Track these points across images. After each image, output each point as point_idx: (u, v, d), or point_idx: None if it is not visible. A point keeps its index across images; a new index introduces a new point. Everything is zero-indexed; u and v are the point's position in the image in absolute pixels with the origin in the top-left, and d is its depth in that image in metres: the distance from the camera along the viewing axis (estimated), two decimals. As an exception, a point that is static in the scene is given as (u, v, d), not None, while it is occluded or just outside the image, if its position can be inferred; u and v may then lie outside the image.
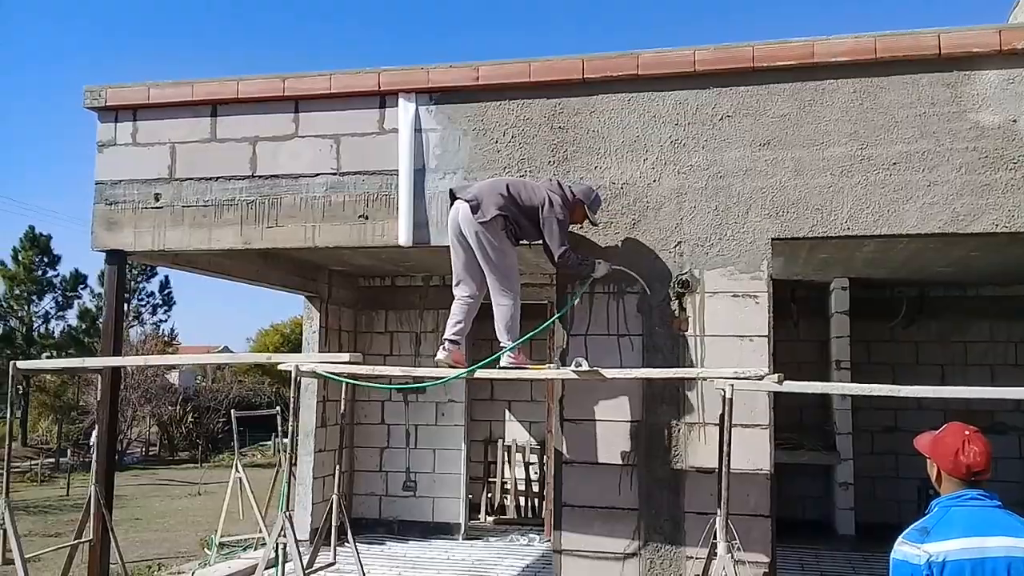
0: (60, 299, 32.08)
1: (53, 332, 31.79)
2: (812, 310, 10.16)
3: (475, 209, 4.89)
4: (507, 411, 11.22)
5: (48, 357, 28.96)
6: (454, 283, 5.20)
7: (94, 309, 32.09)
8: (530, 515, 10.92)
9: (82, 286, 32.21)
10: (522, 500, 11.04)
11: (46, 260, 31.33)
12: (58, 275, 31.75)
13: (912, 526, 2.80)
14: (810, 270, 8.77)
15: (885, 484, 9.72)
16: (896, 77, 5.06)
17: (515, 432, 11.17)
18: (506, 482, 11.04)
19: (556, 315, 5.43)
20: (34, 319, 31.39)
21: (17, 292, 30.66)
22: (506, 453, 11.09)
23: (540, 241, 5.11)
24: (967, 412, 9.53)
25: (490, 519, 10.87)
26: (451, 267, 5.24)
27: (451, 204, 5.18)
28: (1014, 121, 4.91)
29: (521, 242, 5.14)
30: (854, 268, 8.61)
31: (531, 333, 5.21)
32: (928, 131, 5.00)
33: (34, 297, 31.20)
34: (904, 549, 2.72)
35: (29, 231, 30.94)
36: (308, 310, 9.24)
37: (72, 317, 32.18)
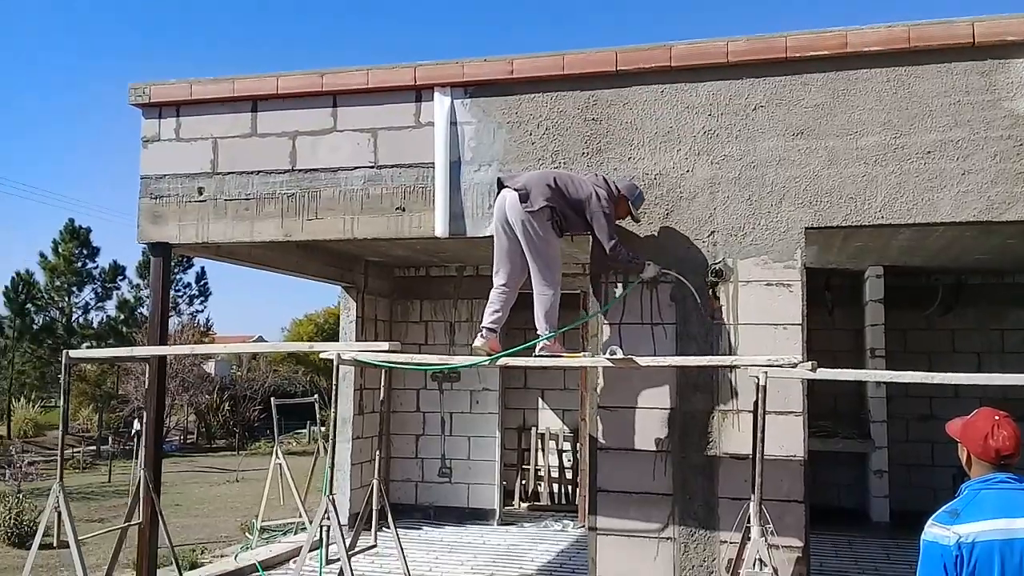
0: (99, 290, 32.66)
1: (92, 322, 32.40)
2: (847, 298, 10.14)
3: (524, 198, 4.98)
4: (540, 399, 11.34)
5: (88, 347, 29.56)
6: (494, 271, 5.30)
7: (132, 300, 32.67)
8: (563, 502, 11.05)
9: (121, 277, 32.77)
10: (555, 487, 11.16)
11: (85, 252, 31.90)
12: (97, 267, 32.33)
13: (942, 508, 2.87)
14: (844, 259, 8.77)
15: (920, 472, 9.71)
16: (930, 66, 5.07)
17: (548, 420, 11.28)
18: (539, 469, 11.17)
19: (601, 309, 5.50)
20: (74, 310, 32.01)
21: (58, 283, 31.28)
22: (539, 441, 11.21)
23: (584, 233, 5.20)
24: (1003, 400, 9.50)
25: (524, 505, 11.01)
26: (489, 257, 5.34)
27: (498, 192, 5.27)
28: (1049, 109, 4.90)
29: (565, 234, 5.23)
30: (889, 256, 8.60)
31: (571, 324, 5.30)
32: (962, 120, 5.01)
33: (74, 288, 31.81)
34: (934, 531, 2.78)
35: (69, 223, 31.50)
36: (345, 300, 9.41)
37: (111, 308, 32.78)
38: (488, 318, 5.25)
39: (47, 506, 5.64)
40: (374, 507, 5.81)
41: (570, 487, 11.09)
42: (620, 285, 5.46)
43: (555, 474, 11.16)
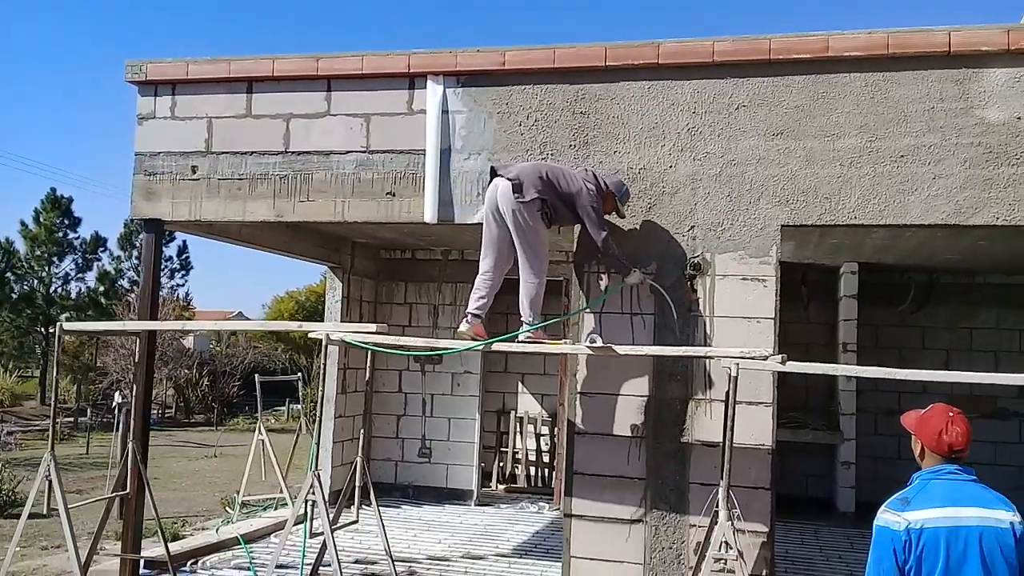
0: (80, 261, 32.50)
1: (71, 293, 32.27)
2: (823, 293, 10.37)
3: (517, 188, 5.14)
4: (520, 384, 11.53)
5: (67, 318, 29.45)
6: (481, 257, 5.46)
7: (113, 272, 32.57)
8: (540, 484, 11.27)
9: (102, 249, 32.62)
10: (533, 470, 11.38)
11: (67, 222, 31.72)
12: (79, 237, 32.16)
13: (895, 495, 3.08)
14: (821, 254, 8.99)
15: (886, 464, 9.97)
16: (906, 72, 5.26)
17: (527, 404, 11.48)
18: (518, 452, 11.38)
19: (587, 305, 5.66)
20: (54, 280, 31.85)
21: (38, 253, 31.10)
22: (518, 424, 11.41)
23: (571, 225, 5.36)
24: (971, 397, 9.79)
25: (501, 487, 11.22)
26: (474, 243, 5.50)
27: (491, 180, 5.42)
28: (1019, 118, 5.11)
29: (553, 225, 5.39)
30: (864, 253, 8.83)
31: (555, 318, 5.46)
32: (935, 126, 5.21)
33: (55, 259, 31.63)
34: (886, 516, 2.99)
35: (51, 193, 31.30)
36: (331, 280, 9.54)
37: (91, 279, 32.65)
38: (473, 304, 5.41)
39: (38, 475, 5.76)
40: (357, 483, 5.97)
41: (547, 470, 11.31)
42: (604, 276, 5.62)
43: (532, 457, 11.37)
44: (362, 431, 5.98)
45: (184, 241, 34.71)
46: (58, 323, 5.77)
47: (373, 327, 5.48)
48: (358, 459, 5.93)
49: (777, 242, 5.45)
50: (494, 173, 5.38)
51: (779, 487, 9.65)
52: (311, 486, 5.17)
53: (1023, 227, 5.09)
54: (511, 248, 5.32)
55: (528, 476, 11.35)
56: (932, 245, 7.78)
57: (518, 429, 11.37)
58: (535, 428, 11.38)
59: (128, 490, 6.34)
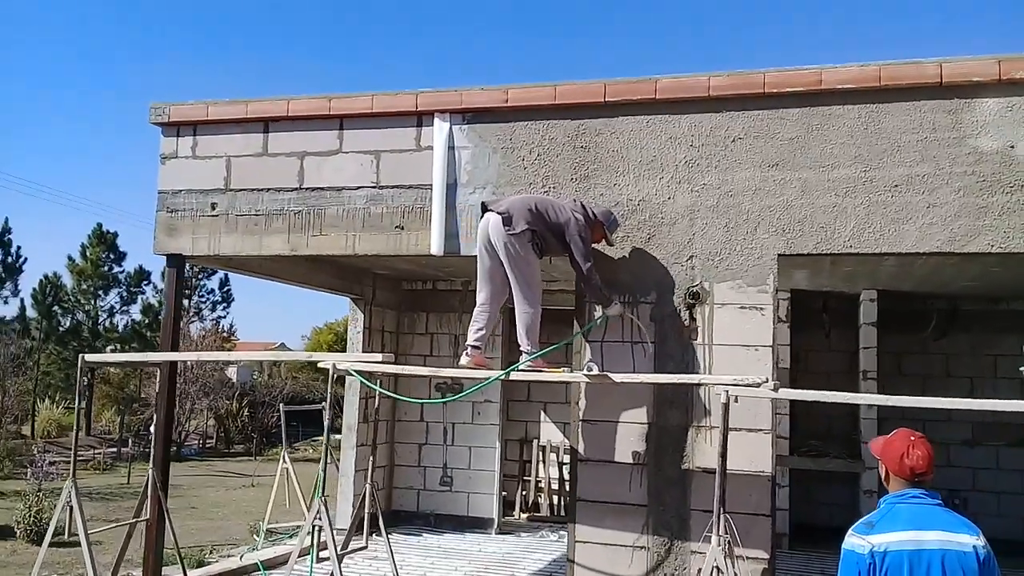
0: (125, 294, 33.36)
1: (117, 326, 33.07)
2: (844, 321, 10.34)
3: (507, 221, 5.30)
4: (543, 412, 11.62)
5: (112, 350, 30.17)
6: (477, 291, 5.62)
7: (156, 304, 33.32)
8: (563, 513, 11.30)
9: (146, 282, 33.45)
10: (555, 498, 11.42)
11: (112, 256, 32.63)
12: (123, 271, 33.05)
13: (861, 520, 3.15)
14: (838, 282, 9.00)
15: (911, 493, 9.85)
16: (899, 103, 5.34)
17: (550, 433, 11.56)
18: (540, 480, 11.44)
19: (574, 335, 5.78)
20: (100, 313, 32.68)
21: (84, 287, 31.99)
22: (540, 452, 11.48)
23: (561, 255, 5.50)
24: (997, 425, 9.70)
25: (524, 516, 11.28)
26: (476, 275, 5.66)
27: (482, 215, 5.59)
28: (1012, 147, 5.15)
29: (544, 256, 5.53)
30: (880, 280, 8.82)
31: (553, 347, 5.59)
32: (929, 155, 5.27)
33: (100, 292, 32.50)
34: (852, 540, 3.06)
35: (97, 228, 32.25)
36: (353, 311, 9.76)
37: (136, 312, 33.45)
38: (472, 336, 5.57)
39: (59, 502, 6.00)
40: (366, 511, 6.12)
41: (569, 499, 11.34)
42: (599, 307, 5.74)
43: (555, 486, 11.43)
44: (370, 459, 6.13)
45: (226, 274, 35.47)
46: (80, 356, 6.03)
47: (379, 356, 5.65)
48: (367, 486, 6.07)
49: (774, 271, 5.53)
50: (485, 208, 5.55)
51: (801, 516, 9.73)
52: (317, 512, 5.33)
53: (1018, 254, 5.11)
54: (505, 280, 5.46)
55: (551, 504, 11.41)
56: (945, 272, 7.77)
57: (540, 457, 11.44)
58: (557, 456, 11.44)
59: (149, 517, 6.55)
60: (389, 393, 6.14)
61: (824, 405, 8.99)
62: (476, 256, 6.00)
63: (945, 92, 5.27)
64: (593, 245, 5.57)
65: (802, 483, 9.85)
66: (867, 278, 8.62)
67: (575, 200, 5.59)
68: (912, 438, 3.18)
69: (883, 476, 3.25)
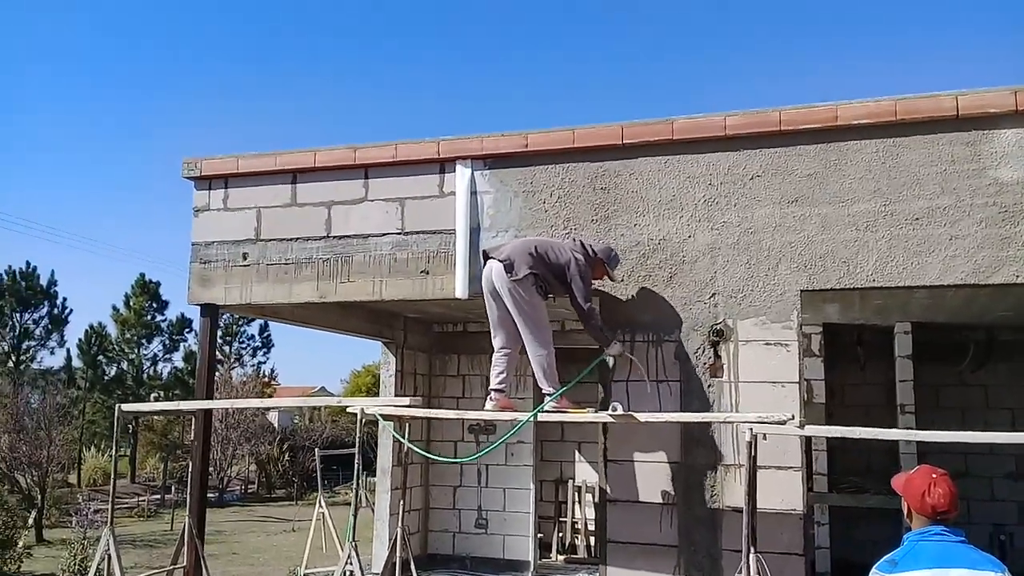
0: (167, 342, 33.99)
1: (161, 374, 33.64)
2: (879, 354, 10.21)
3: (509, 268, 5.37)
4: (577, 452, 11.58)
5: (156, 398, 30.64)
6: (492, 337, 5.68)
7: (198, 352, 33.89)
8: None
9: (187, 330, 34.08)
10: (592, 540, 11.33)
11: (155, 305, 33.31)
12: (166, 320, 33.71)
13: (884, 557, 3.12)
14: (870, 315, 8.92)
15: (955, 529, 9.63)
16: (917, 137, 5.35)
17: (585, 473, 11.50)
18: (576, 521, 11.37)
19: (579, 376, 5.80)
20: (143, 361, 33.27)
21: (128, 336, 32.64)
22: (576, 493, 11.42)
23: (564, 296, 5.55)
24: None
25: (561, 558, 11.20)
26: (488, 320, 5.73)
27: (484, 264, 5.67)
28: (1033, 176, 5.12)
29: (548, 296, 5.59)
30: (913, 313, 8.72)
31: (568, 385, 5.60)
32: (949, 187, 5.26)
33: (143, 340, 33.12)
34: (875, 578, 3.04)
35: (140, 278, 33.03)
36: (385, 355, 9.85)
37: (178, 359, 34.01)
38: (494, 380, 5.62)
39: (98, 551, 6.12)
40: (398, 555, 6.15)
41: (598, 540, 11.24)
42: (628, 343, 5.76)
43: (591, 527, 11.34)
44: (400, 503, 6.17)
45: (266, 320, 35.96)
46: (117, 406, 6.19)
47: (407, 400, 5.72)
48: (398, 530, 6.11)
49: (798, 307, 5.52)
50: (487, 256, 5.63)
51: (843, 553, 9.55)
52: (348, 557, 5.37)
53: (1043, 284, 5.06)
54: (515, 324, 5.52)
55: (588, 546, 11.31)
56: (979, 302, 7.67)
57: (576, 498, 11.38)
58: (593, 497, 11.37)
59: (185, 564, 6.64)
60: (417, 449, 6.21)
61: (863, 440, 8.87)
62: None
63: (962, 124, 5.27)
64: (596, 282, 5.63)
65: (842, 520, 9.67)
66: (899, 310, 8.53)
67: (574, 239, 5.67)
68: (934, 475, 3.16)
69: (906, 513, 3.23)
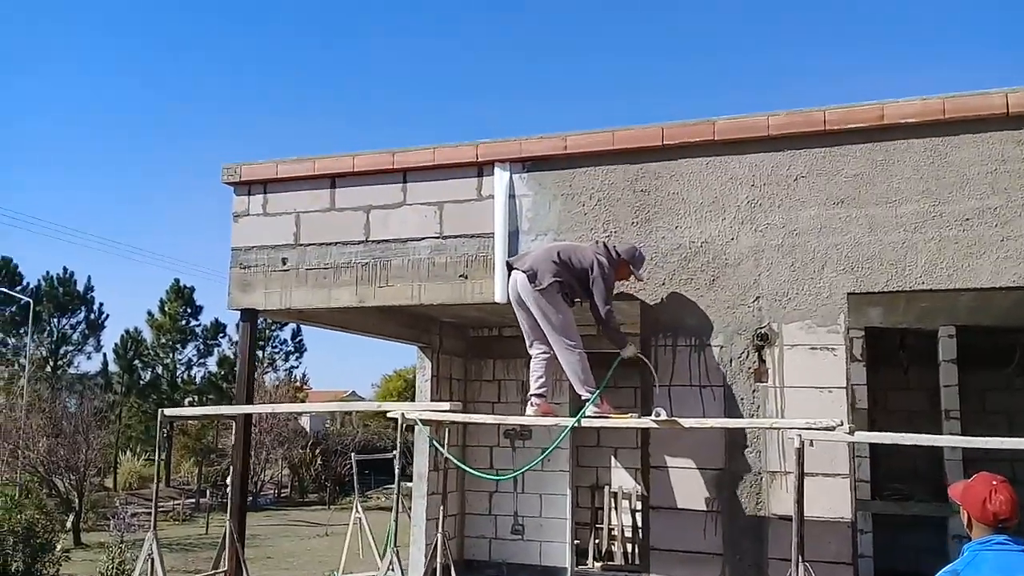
0: (201, 347, 34.33)
1: (195, 378, 33.97)
2: (922, 358, 10.02)
3: (532, 278, 5.35)
4: (613, 457, 11.49)
5: (190, 402, 30.93)
6: (527, 344, 5.65)
7: (232, 356, 34.13)
8: (637, 561, 11.08)
9: (221, 335, 34.40)
10: (629, 547, 11.22)
11: (189, 311, 33.66)
12: (200, 324, 34.06)
13: (945, 568, 3.03)
14: (913, 319, 8.76)
15: (1002, 537, 9.42)
16: (966, 136, 5.23)
17: (621, 478, 11.40)
18: (612, 528, 11.27)
19: (605, 380, 5.64)
20: (178, 366, 33.62)
21: (163, 341, 33.01)
22: (612, 499, 11.33)
23: (588, 300, 5.49)
24: (1093, 464, 9.22)
25: (598, 565, 11.09)
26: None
27: (508, 274, 5.63)
28: (1089, 175, 4.99)
29: (575, 302, 5.54)
30: (959, 316, 8.55)
31: (603, 385, 5.50)
32: (999, 187, 5.14)
33: (178, 345, 33.47)
34: (936, 590, 2.94)
35: (174, 283, 33.40)
36: (421, 360, 9.84)
37: (212, 364, 34.33)
38: (534, 386, 5.58)
39: (140, 555, 6.15)
40: (439, 561, 6.12)
41: (641, 547, 11.14)
42: (670, 348, 5.69)
43: (628, 533, 11.24)
44: (440, 508, 6.14)
45: (298, 325, 36.19)
46: (160, 411, 6.22)
47: (447, 405, 5.69)
48: (438, 536, 6.08)
49: (844, 310, 5.42)
50: (510, 267, 5.60)
51: (888, 562, 9.37)
52: (390, 563, 5.35)
53: (1102, 285, 4.92)
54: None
55: (625, 553, 11.20)
56: (1028, 305, 7.50)
57: (612, 504, 11.28)
58: (630, 503, 11.27)
59: (226, 568, 6.65)
60: (457, 462, 6.19)
61: (906, 447, 8.70)
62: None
63: (1012, 122, 5.16)
64: (625, 283, 5.60)
65: (886, 528, 9.50)
66: (945, 314, 8.37)
67: (597, 242, 5.64)
68: (994, 482, 3.06)
69: (965, 522, 3.13)
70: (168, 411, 6.39)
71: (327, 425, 38.01)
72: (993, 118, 5.16)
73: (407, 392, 37.42)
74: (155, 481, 6.40)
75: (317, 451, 30.08)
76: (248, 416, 7.13)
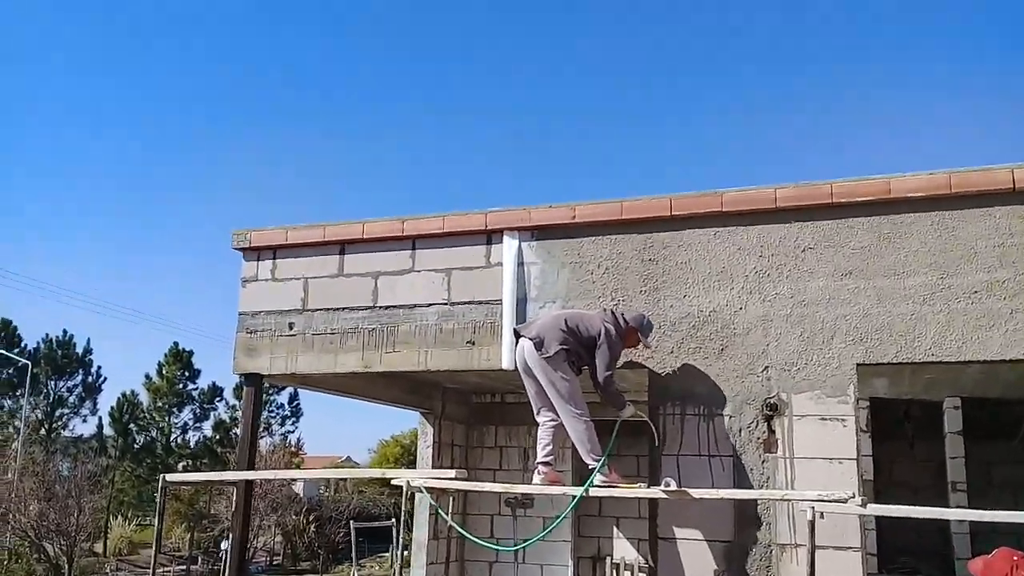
0: (198, 411, 34.05)
1: (189, 442, 33.61)
2: (928, 430, 9.97)
3: (539, 346, 5.36)
4: (615, 527, 11.30)
5: (184, 467, 30.56)
6: (535, 411, 5.65)
7: (228, 420, 33.88)
8: (640, 635, 10.84)
9: (218, 399, 34.16)
10: (632, 620, 10.97)
11: (187, 374, 33.46)
12: (197, 388, 33.79)
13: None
14: (919, 389, 8.74)
15: (1013, 614, 9.25)
16: (972, 210, 5.30)
17: (623, 549, 11.20)
18: (615, 600, 11.03)
19: (610, 445, 5.62)
20: (173, 429, 33.29)
21: (160, 404, 32.76)
22: (615, 571, 11.11)
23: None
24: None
25: (600, 638, 10.84)
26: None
27: (516, 342, 5.64)
28: (1094, 249, 5.04)
29: (583, 369, 5.55)
30: (964, 387, 8.54)
31: (607, 452, 5.47)
32: (1008, 261, 5.18)
33: (175, 409, 33.20)
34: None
35: (173, 347, 33.28)
36: (423, 425, 9.77)
37: (208, 428, 34.02)
38: (541, 453, 5.55)
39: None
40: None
41: (647, 620, 10.90)
42: (679, 417, 5.67)
43: (631, 606, 10.99)
44: (445, 579, 6.02)
45: (295, 389, 35.99)
46: (161, 475, 6.15)
47: (452, 472, 5.63)
48: (442, 608, 5.95)
49: (854, 381, 5.41)
50: (517, 335, 5.63)
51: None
52: (393, 635, 5.23)
53: (1111, 359, 4.92)
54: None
55: (627, 626, 10.94)
56: (1034, 377, 7.49)
57: (615, 576, 11.06)
58: (632, 575, 11.05)
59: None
60: (462, 531, 6.11)
61: (912, 519, 8.60)
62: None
63: (1018, 197, 5.22)
64: (629, 349, 5.62)
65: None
66: (950, 385, 8.36)
67: (605, 310, 5.67)
68: (1015, 558, 3.05)
69: (989, 600, 3.09)
70: (169, 476, 6.33)
71: (322, 491, 37.48)
72: (999, 193, 5.23)
73: (404, 458, 36.99)
74: (155, 547, 6.29)
75: (311, 517, 29.60)
76: (249, 483, 7.04)
